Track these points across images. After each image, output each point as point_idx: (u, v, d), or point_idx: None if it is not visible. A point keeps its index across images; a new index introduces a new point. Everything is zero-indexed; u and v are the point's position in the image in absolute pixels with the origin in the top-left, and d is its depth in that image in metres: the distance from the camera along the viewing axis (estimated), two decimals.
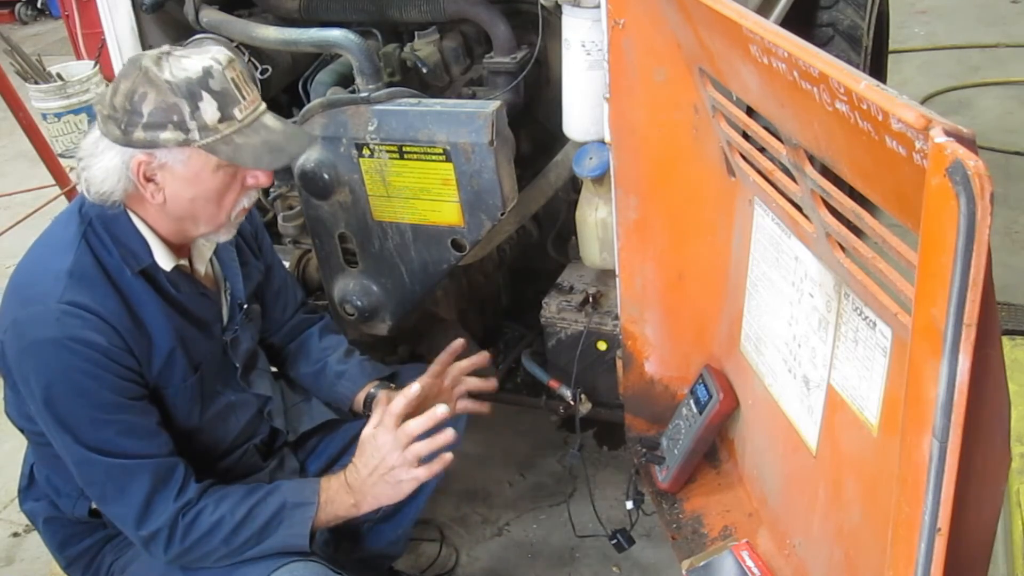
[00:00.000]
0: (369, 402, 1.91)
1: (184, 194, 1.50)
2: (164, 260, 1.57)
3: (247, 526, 1.59)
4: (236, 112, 1.47)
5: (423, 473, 1.66)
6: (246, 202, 1.59)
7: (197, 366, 1.65)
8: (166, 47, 1.49)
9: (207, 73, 1.45)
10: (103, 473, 1.55)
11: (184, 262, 1.63)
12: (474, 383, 1.97)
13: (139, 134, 1.44)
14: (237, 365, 1.77)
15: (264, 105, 1.55)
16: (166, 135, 1.43)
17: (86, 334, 1.47)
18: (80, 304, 1.48)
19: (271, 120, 1.54)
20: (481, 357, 2.00)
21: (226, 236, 1.63)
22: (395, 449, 1.65)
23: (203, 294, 1.68)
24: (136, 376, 1.55)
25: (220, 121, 1.45)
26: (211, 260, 1.72)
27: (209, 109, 1.44)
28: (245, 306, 1.78)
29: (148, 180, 1.48)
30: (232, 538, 1.58)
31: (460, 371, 1.95)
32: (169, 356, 1.59)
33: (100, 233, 1.54)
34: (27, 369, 1.51)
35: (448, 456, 1.69)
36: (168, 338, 1.58)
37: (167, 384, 1.61)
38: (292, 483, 1.70)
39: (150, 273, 1.57)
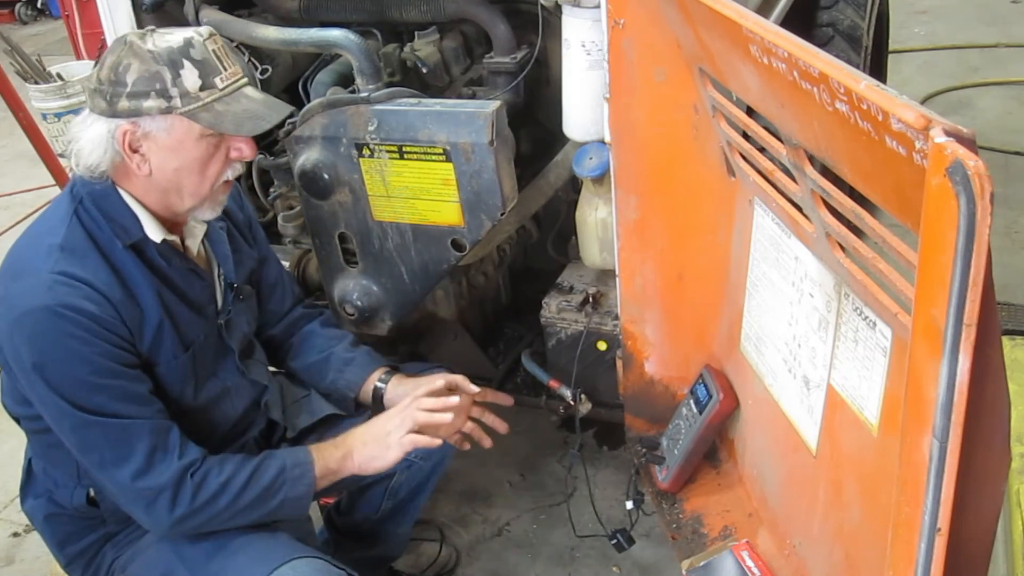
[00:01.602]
0: (377, 394, 1.92)
1: (169, 164, 1.54)
2: (154, 232, 1.59)
3: (252, 488, 1.61)
4: (217, 81, 1.52)
5: (416, 440, 1.71)
6: (230, 174, 1.62)
7: (189, 345, 1.66)
8: (152, 26, 1.55)
9: (188, 43, 1.50)
10: (101, 435, 1.55)
11: (175, 238, 1.66)
12: (492, 420, 1.94)
13: (123, 103, 1.48)
14: (233, 347, 1.77)
15: (246, 78, 1.59)
16: (149, 103, 1.48)
17: (78, 301, 1.50)
18: (71, 274, 1.51)
19: (251, 91, 1.59)
20: (506, 399, 2.00)
21: (211, 212, 1.65)
22: (398, 413, 1.73)
23: (193, 270, 1.69)
24: (128, 345, 1.56)
25: (201, 89, 1.50)
26: (203, 243, 1.74)
27: (190, 77, 1.49)
28: (236, 285, 1.79)
29: (134, 151, 1.52)
30: (238, 500, 1.60)
31: (481, 397, 1.95)
32: (159, 329, 1.60)
33: (90, 209, 1.57)
34: (19, 340, 1.51)
35: (437, 441, 1.76)
36: (157, 311, 1.60)
37: (158, 358, 1.62)
38: (285, 450, 1.75)
39: (140, 247, 1.59)
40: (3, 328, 1.53)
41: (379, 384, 1.92)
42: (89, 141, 1.52)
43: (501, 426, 1.94)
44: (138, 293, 1.58)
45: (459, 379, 1.89)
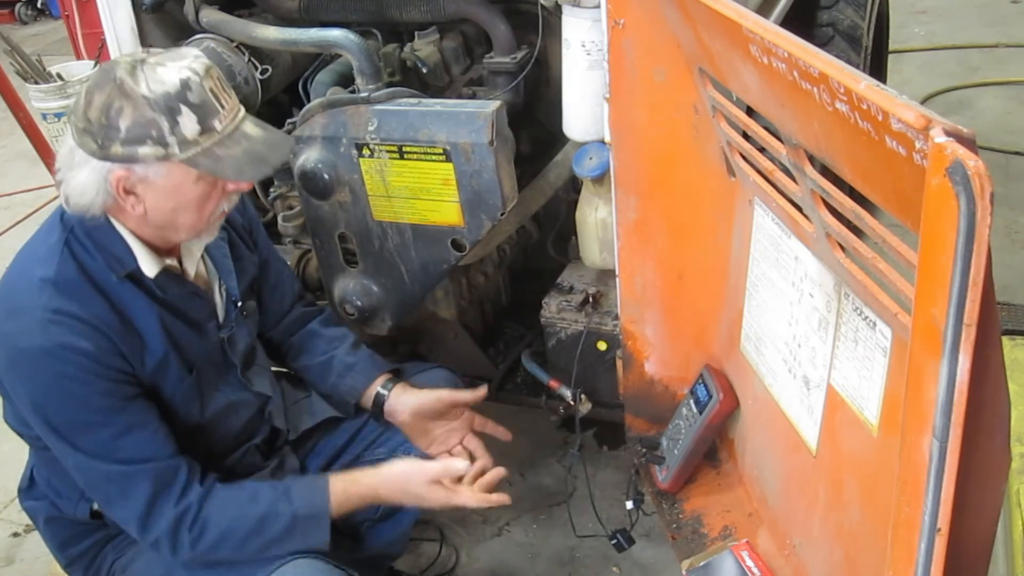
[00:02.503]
0: (379, 401, 1.91)
1: (165, 205, 1.48)
2: (148, 266, 1.55)
3: (258, 536, 1.60)
4: (216, 124, 1.44)
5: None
6: (226, 206, 1.57)
7: (192, 366, 1.64)
8: (140, 53, 1.46)
9: (185, 85, 1.41)
10: (104, 479, 1.55)
11: (173, 262, 1.62)
12: (493, 428, 1.99)
13: (117, 149, 1.40)
14: (235, 363, 1.76)
15: (243, 111, 1.52)
16: (145, 150, 1.40)
17: (72, 340, 1.46)
18: (65, 311, 1.47)
19: (251, 127, 1.51)
20: (504, 434, 2.01)
21: (208, 238, 1.62)
22: (423, 493, 1.73)
23: (194, 293, 1.66)
24: (129, 377, 1.54)
25: (200, 134, 1.42)
26: (203, 257, 1.70)
27: (189, 123, 1.41)
28: (240, 303, 1.77)
29: (128, 193, 1.46)
30: (243, 547, 1.60)
31: (480, 424, 1.98)
32: (163, 358, 1.58)
33: (82, 240, 1.52)
34: (17, 379, 1.50)
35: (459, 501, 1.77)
36: (160, 339, 1.57)
37: (163, 384, 1.60)
38: (301, 488, 1.68)
39: (136, 277, 1.55)
40: (1, 364, 1.51)
41: (381, 391, 1.92)
42: (80, 184, 1.45)
43: (504, 434, 1.98)
44: (138, 322, 1.55)
45: (457, 396, 1.93)
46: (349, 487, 1.69)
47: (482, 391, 1.98)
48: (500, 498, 1.78)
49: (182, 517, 1.56)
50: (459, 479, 1.76)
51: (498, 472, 1.80)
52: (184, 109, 1.41)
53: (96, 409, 1.50)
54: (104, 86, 1.41)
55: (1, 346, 1.50)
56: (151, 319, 1.56)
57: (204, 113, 1.43)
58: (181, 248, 1.64)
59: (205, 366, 1.68)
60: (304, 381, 2.05)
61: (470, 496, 1.74)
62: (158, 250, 1.57)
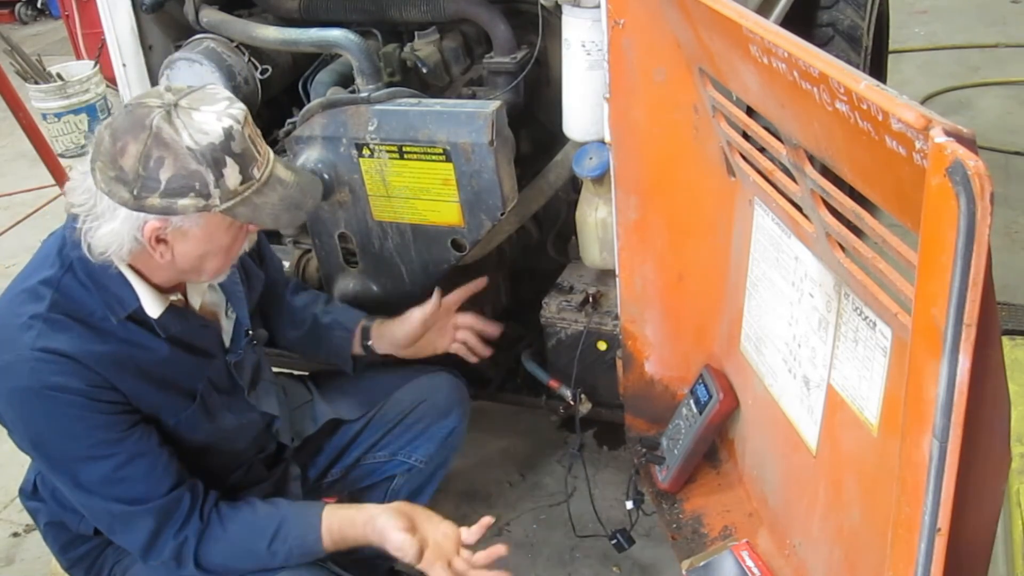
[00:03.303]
0: (365, 333, 1.94)
1: (194, 252, 1.46)
2: (152, 307, 1.51)
3: (254, 565, 1.62)
4: (254, 171, 1.42)
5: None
6: (247, 246, 1.57)
7: (195, 395, 1.62)
8: (167, 95, 1.40)
9: (228, 135, 1.38)
10: (107, 514, 1.56)
11: (177, 297, 1.58)
12: (472, 321, 2.01)
13: (154, 201, 1.36)
14: (243, 385, 1.74)
15: (272, 154, 1.50)
16: (185, 202, 1.37)
17: (62, 380, 1.43)
18: (52, 350, 1.43)
19: (282, 171, 1.49)
20: (477, 283, 2.02)
21: (222, 278, 1.60)
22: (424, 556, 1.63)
23: (201, 325, 1.64)
24: (125, 407, 1.51)
25: (241, 184, 1.40)
26: (210, 286, 1.67)
27: (232, 174, 1.38)
28: (251, 332, 1.77)
29: (159, 242, 1.42)
30: (241, 571, 1.63)
31: (454, 303, 1.98)
32: (164, 391, 1.56)
33: (81, 278, 1.47)
34: (13, 416, 1.49)
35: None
36: (160, 373, 1.54)
37: (167, 416, 1.59)
38: (295, 527, 1.64)
39: (137, 317, 1.51)
40: None
41: (367, 343, 1.95)
42: (109, 234, 1.39)
43: (494, 331, 2.03)
44: (137, 359, 1.52)
45: (425, 310, 1.92)
46: (345, 529, 1.65)
47: (457, 293, 2.00)
48: (494, 551, 1.66)
49: (182, 547, 1.57)
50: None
51: (497, 550, 1.67)
52: (228, 161, 1.38)
53: (94, 443, 1.48)
54: (138, 133, 1.35)
55: None
56: (150, 355, 1.53)
57: (245, 162, 1.40)
58: (187, 283, 1.61)
59: (211, 391, 1.66)
60: (303, 382, 2.06)
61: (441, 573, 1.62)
62: (163, 289, 1.54)
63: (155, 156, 1.35)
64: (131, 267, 1.49)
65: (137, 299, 1.50)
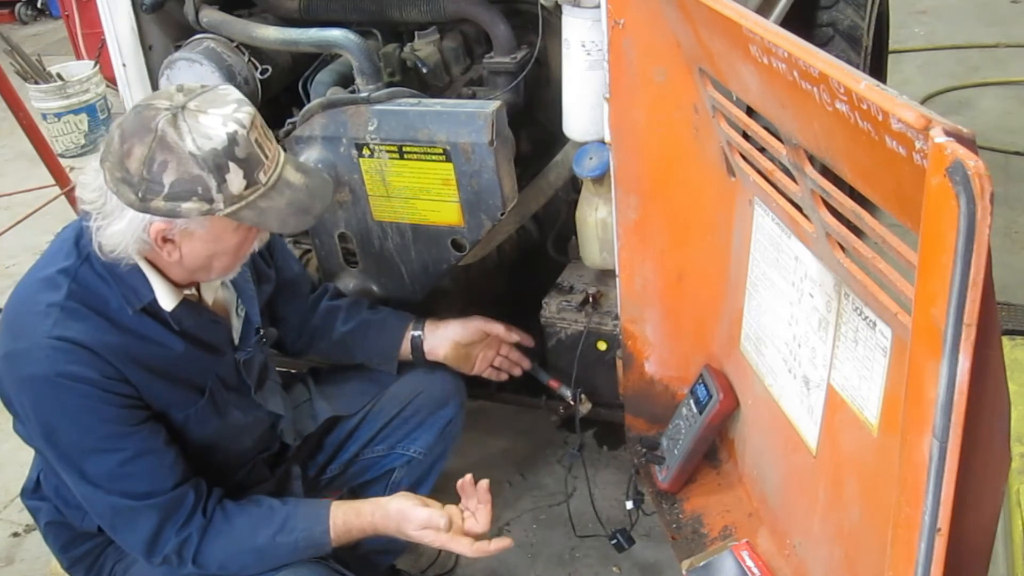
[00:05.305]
0: (416, 343, 1.99)
1: (202, 252, 1.47)
2: (167, 300, 1.53)
3: (258, 564, 1.62)
4: (260, 176, 1.42)
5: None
6: (257, 245, 1.57)
7: (204, 390, 1.63)
8: (176, 96, 1.40)
9: (232, 140, 1.37)
10: (111, 510, 1.55)
11: (191, 292, 1.60)
12: (517, 356, 2.09)
13: (159, 203, 1.37)
14: (250, 383, 1.75)
15: (283, 155, 1.49)
16: (188, 206, 1.37)
17: (76, 369, 1.44)
18: (69, 339, 1.44)
19: (292, 173, 1.48)
20: (528, 339, 2.09)
21: (233, 275, 1.62)
22: (428, 534, 1.68)
23: (212, 321, 1.64)
24: (136, 401, 1.52)
25: (245, 188, 1.40)
26: (222, 283, 1.68)
27: (235, 180, 1.38)
28: (261, 330, 1.77)
29: (166, 241, 1.44)
30: (243, 571, 1.63)
31: (507, 334, 2.05)
32: (174, 386, 1.57)
33: (98, 269, 1.49)
34: (26, 403, 1.50)
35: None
36: (171, 367, 1.56)
37: (176, 411, 1.59)
38: (302, 519, 1.65)
39: (152, 310, 1.53)
40: (11, 384, 1.51)
41: (415, 334, 1.99)
42: (116, 233, 1.41)
43: (525, 362, 2.10)
44: (149, 352, 1.53)
45: (489, 327, 2.02)
46: (351, 520, 1.67)
47: (517, 334, 2.08)
48: (500, 544, 1.69)
49: (183, 544, 1.57)
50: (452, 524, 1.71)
51: (503, 542, 1.71)
52: (232, 166, 1.37)
53: (104, 435, 1.49)
54: (144, 136, 1.36)
55: (7, 367, 1.49)
56: (163, 348, 1.54)
57: (250, 167, 1.40)
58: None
59: (219, 388, 1.67)
60: (301, 380, 2.06)
61: (467, 547, 1.66)
62: (177, 283, 1.55)
63: (159, 160, 1.35)
64: (147, 260, 1.51)
65: (152, 292, 1.51)
